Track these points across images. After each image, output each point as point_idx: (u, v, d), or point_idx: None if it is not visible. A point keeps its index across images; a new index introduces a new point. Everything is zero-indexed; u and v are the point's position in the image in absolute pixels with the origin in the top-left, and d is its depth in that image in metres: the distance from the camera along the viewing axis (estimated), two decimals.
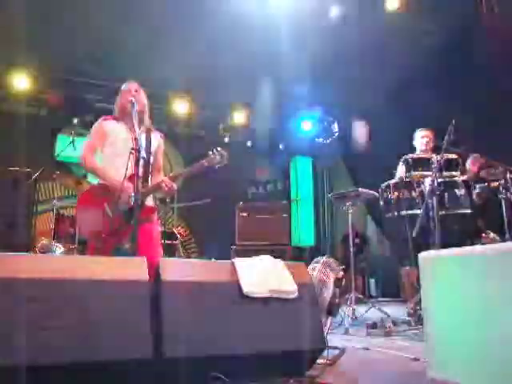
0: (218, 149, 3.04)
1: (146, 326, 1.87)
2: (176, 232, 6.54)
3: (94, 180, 3.37)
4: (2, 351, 1.62)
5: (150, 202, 3.14)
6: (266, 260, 2.43)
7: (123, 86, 3.25)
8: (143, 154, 2.70)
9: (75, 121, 7.87)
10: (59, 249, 5.95)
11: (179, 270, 2.12)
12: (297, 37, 5.86)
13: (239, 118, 8.65)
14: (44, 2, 5.55)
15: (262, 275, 2.27)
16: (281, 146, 9.56)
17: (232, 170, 4.28)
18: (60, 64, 6.94)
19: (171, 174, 3.12)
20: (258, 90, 7.23)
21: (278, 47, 5.97)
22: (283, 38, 5.86)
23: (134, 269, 1.98)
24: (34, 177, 5.82)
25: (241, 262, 2.30)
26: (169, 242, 6.28)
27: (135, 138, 2.75)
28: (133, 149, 2.67)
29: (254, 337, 2.09)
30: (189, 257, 7.85)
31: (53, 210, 6.13)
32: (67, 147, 6.04)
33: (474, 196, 4.03)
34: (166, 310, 1.95)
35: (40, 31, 5.84)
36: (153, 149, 3.20)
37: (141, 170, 2.72)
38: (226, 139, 8.72)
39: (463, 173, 4.03)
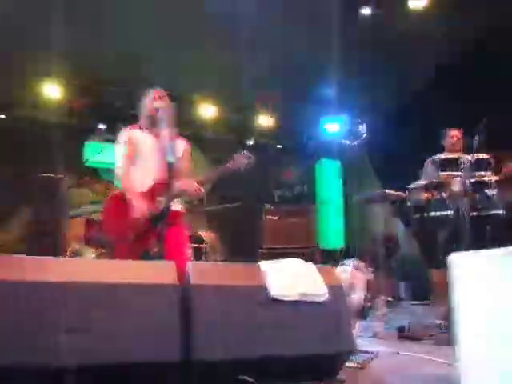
0: (244, 152, 3.05)
1: (175, 329, 1.89)
2: (203, 236, 6.57)
3: (121, 186, 3.42)
4: (34, 353, 1.65)
5: (177, 206, 3.17)
6: (294, 263, 2.42)
7: (148, 93, 3.28)
8: (169, 159, 2.73)
9: (102, 127, 8.01)
10: (90, 253, 6.07)
11: (207, 273, 2.12)
12: (321, 37, 5.84)
13: (266, 120, 8.64)
14: (73, 11, 5.67)
15: (291, 278, 2.25)
16: (307, 148, 9.51)
17: (258, 172, 4.28)
18: (86, 72, 7.07)
19: (198, 179, 3.14)
20: (284, 92, 7.21)
21: (302, 48, 5.97)
22: (308, 38, 5.86)
23: (163, 272, 1.99)
24: (64, 183, 5.95)
25: (269, 265, 2.29)
26: (196, 245, 6.31)
27: (161, 145, 2.79)
28: (161, 156, 2.71)
29: (283, 340, 2.08)
30: (216, 260, 7.87)
31: (83, 215, 6.24)
32: (95, 153, 6.14)
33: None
34: (195, 314, 1.96)
35: (68, 40, 5.97)
36: (178, 154, 3.22)
37: (167, 175, 2.76)
38: (252, 142, 8.73)
39: (496, 173, 3.92)
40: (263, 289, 2.16)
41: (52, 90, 7.47)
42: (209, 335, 1.93)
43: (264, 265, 2.30)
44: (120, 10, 5.78)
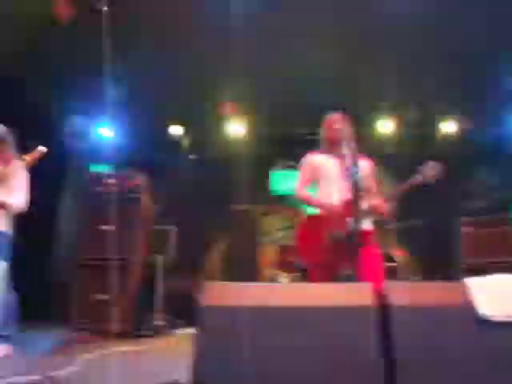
0: (431, 162, 2.91)
1: (376, 353, 1.83)
2: (394, 254, 6.35)
3: (309, 209, 3.53)
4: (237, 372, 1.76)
5: (367, 225, 3.14)
6: (503, 279, 2.17)
7: (327, 117, 3.36)
8: (355, 179, 2.73)
9: (286, 155, 8.41)
10: (284, 278, 6.33)
11: (406, 293, 2.03)
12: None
13: (448, 128, 8.11)
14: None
15: (503, 296, 2.02)
16: (502, 155, 8.58)
17: (447, 183, 4.02)
18: (266, 102, 7.51)
19: (384, 196, 3.08)
20: (468, 98, 6.70)
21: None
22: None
23: (359, 294, 1.97)
24: (256, 211, 6.36)
25: (475, 282, 2.10)
26: (388, 264, 6.13)
27: (344, 167, 2.83)
28: (347, 177, 2.75)
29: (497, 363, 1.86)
30: (409, 279, 7.53)
31: (275, 242, 6.56)
32: (282, 181, 6.44)
33: None
34: (397, 337, 1.88)
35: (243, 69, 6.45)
36: (363, 173, 3.21)
37: (354, 196, 2.76)
38: (436, 152, 8.23)
39: None
40: (470, 308, 1.97)
41: (236, 127, 8.17)
42: (413, 360, 1.83)
43: (469, 281, 2.10)
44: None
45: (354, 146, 3.25)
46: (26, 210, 3.71)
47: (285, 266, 6.36)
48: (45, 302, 7.44)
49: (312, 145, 3.55)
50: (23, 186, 3.71)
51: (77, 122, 7.87)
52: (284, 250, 6.50)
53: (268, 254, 7.52)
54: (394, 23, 5.30)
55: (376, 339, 1.86)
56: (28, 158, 3.64)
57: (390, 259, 6.27)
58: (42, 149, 3.75)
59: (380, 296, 2.01)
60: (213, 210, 7.55)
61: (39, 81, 6.75)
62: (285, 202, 7.80)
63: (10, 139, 3.78)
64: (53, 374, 2.54)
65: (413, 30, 5.36)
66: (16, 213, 3.69)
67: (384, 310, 1.96)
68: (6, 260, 3.53)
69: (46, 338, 4.43)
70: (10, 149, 3.77)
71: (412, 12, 5.05)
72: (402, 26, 5.28)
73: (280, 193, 7.20)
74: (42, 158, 3.76)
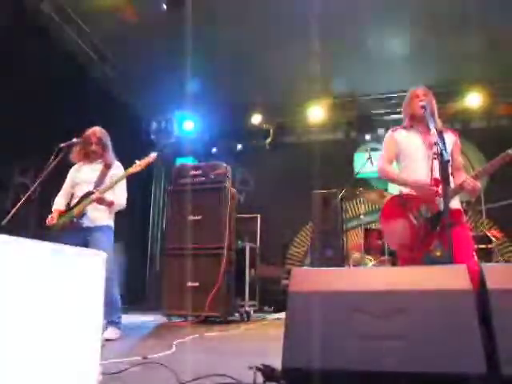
0: None
1: (476, 339, 1.74)
2: (490, 235, 5.99)
3: (394, 190, 3.42)
4: (332, 357, 1.75)
5: (456, 204, 2.99)
6: None
7: (411, 92, 3.22)
8: (443, 156, 2.60)
9: (367, 137, 8.23)
10: (370, 261, 6.21)
11: (505, 276, 1.91)
12: None
13: None
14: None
15: None
16: None
17: None
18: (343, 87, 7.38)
19: (473, 173, 2.91)
20: None
21: None
22: None
23: (455, 277, 1.87)
24: (339, 196, 6.28)
25: None
26: (482, 246, 5.81)
27: (432, 143, 2.69)
28: (434, 153, 2.62)
29: None
30: (507, 261, 7.08)
31: (361, 225, 6.46)
32: (365, 164, 6.30)
33: None
34: (497, 322, 1.77)
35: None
36: (449, 149, 3.05)
37: (442, 173, 2.63)
38: None
39: None
40: None
41: (317, 113, 8.09)
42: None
43: None
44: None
45: (437, 120, 3.10)
46: (125, 207, 3.98)
47: (371, 249, 6.23)
48: (140, 290, 7.92)
49: (395, 123, 3.43)
50: (124, 186, 3.96)
51: (162, 118, 8.20)
52: (370, 233, 6.37)
53: (354, 238, 7.42)
54: None
55: (474, 324, 1.77)
56: (140, 163, 3.80)
57: (485, 240, 5.92)
58: (153, 155, 3.88)
59: (477, 279, 1.91)
60: (297, 196, 7.56)
61: (125, 81, 7.11)
62: (369, 184, 7.64)
63: (109, 141, 4.03)
64: (150, 356, 2.68)
65: None
66: (118, 210, 3.95)
67: (481, 293, 1.86)
68: (110, 251, 3.79)
69: (143, 324, 4.68)
70: (110, 151, 4.03)
71: None
72: None
73: (363, 176, 7.05)
74: (152, 164, 3.93)
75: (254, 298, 6.02)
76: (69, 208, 3.88)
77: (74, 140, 3.79)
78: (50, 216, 3.87)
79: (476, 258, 2.96)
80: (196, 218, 5.43)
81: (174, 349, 3.00)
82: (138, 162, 3.80)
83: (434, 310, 1.79)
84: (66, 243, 3.57)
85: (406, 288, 1.85)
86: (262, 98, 7.81)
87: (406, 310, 1.80)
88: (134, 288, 7.19)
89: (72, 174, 4.04)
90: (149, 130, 8.51)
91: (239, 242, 5.89)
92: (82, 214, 3.75)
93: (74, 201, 3.89)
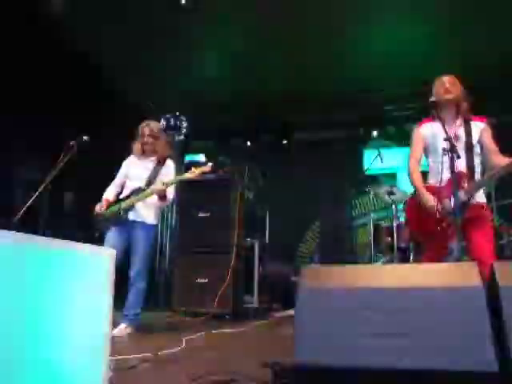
0: None
1: (487, 337, 1.72)
2: (502, 231, 5.93)
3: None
4: (343, 354, 1.74)
5: (480, 198, 2.96)
6: None
7: (437, 80, 3.11)
8: (460, 150, 2.57)
9: (374, 134, 8.17)
10: (380, 258, 6.18)
11: None
12: None
13: None
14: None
15: None
16: None
17: None
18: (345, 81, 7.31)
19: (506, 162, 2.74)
20: None
21: None
22: None
23: (465, 274, 1.86)
24: (349, 193, 6.25)
25: None
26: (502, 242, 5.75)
27: (457, 135, 2.80)
28: (443, 150, 2.61)
29: None
30: None
31: (371, 222, 6.42)
32: (374, 160, 6.26)
33: None
34: (508, 319, 1.75)
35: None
36: (475, 138, 2.99)
37: (463, 166, 2.63)
38: None
39: None
40: None
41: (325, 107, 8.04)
42: None
43: None
44: None
45: (464, 107, 3.03)
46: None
47: (381, 246, 6.20)
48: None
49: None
50: (173, 185, 4.04)
51: (171, 115, 8.21)
52: (380, 230, 6.33)
53: (363, 235, 7.38)
54: None
55: (485, 322, 1.75)
56: (195, 170, 3.87)
57: (498, 236, 5.86)
58: (210, 165, 3.97)
59: (488, 275, 1.89)
60: (306, 192, 7.55)
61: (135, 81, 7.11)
62: (379, 181, 7.59)
63: (165, 137, 4.13)
64: (160, 352, 2.69)
65: None
66: (167, 205, 4.13)
67: (492, 290, 1.84)
68: (147, 249, 3.91)
69: (154, 320, 4.71)
70: (165, 147, 4.15)
71: None
72: None
73: (374, 172, 7.01)
74: (207, 173, 4.02)
75: (263, 295, 6.02)
76: (118, 200, 3.99)
77: (85, 137, 3.82)
78: (99, 204, 3.99)
79: (493, 252, 2.88)
80: (205, 215, 5.45)
81: (183, 345, 3.01)
82: (193, 168, 3.89)
83: (446, 307, 1.78)
84: (111, 235, 3.70)
85: (416, 285, 1.84)
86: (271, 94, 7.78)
87: (416, 307, 1.79)
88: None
89: (125, 167, 4.16)
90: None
91: (248, 239, 5.89)
92: (129, 208, 3.86)
93: (125, 193, 4.01)
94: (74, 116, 5.30)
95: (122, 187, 4.11)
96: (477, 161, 2.96)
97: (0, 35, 4.57)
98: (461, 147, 2.85)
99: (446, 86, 2.99)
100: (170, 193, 3.98)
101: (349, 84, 7.28)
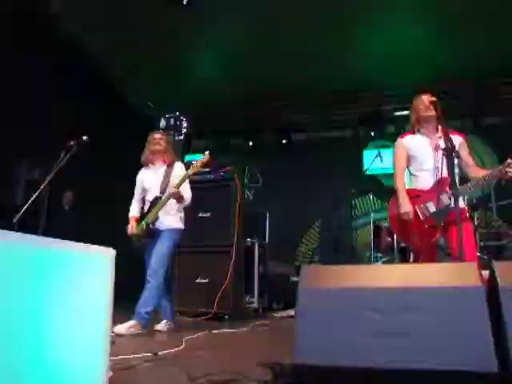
0: None
1: (487, 337, 1.72)
2: (502, 232, 5.95)
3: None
4: (343, 354, 1.74)
5: (460, 203, 3.05)
6: None
7: (416, 98, 3.34)
8: (450, 159, 2.70)
9: (377, 134, 8.17)
10: (380, 258, 6.18)
11: None
12: None
13: None
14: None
15: None
16: None
17: None
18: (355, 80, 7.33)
19: (482, 175, 3.03)
20: None
21: None
22: None
23: (465, 274, 1.86)
24: (349, 193, 6.25)
25: None
26: (493, 243, 5.78)
27: (438, 144, 3.01)
28: (443, 152, 2.71)
29: None
30: None
31: (371, 223, 6.42)
32: (374, 161, 6.27)
33: None
34: (508, 319, 1.75)
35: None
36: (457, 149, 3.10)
37: (449, 171, 2.83)
38: None
39: None
40: None
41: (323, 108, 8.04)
42: None
43: None
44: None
45: (446, 124, 3.15)
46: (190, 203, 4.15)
47: (382, 246, 6.20)
48: None
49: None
50: (187, 185, 4.12)
51: (171, 115, 8.22)
52: (381, 230, 6.33)
53: (363, 235, 7.38)
54: None
55: (485, 322, 1.75)
56: (196, 163, 3.94)
57: (497, 237, 5.88)
58: (207, 154, 4.03)
59: (488, 276, 1.89)
60: (306, 192, 7.54)
61: (134, 81, 7.12)
62: (379, 181, 7.60)
63: (171, 144, 4.28)
64: (160, 352, 2.69)
65: None
66: (185, 206, 4.14)
67: (492, 290, 1.84)
68: (166, 250, 3.96)
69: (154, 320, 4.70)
70: (170, 150, 4.23)
71: None
72: None
73: (373, 172, 7.02)
74: (207, 163, 4.07)
75: (263, 295, 6.02)
76: (142, 214, 4.07)
77: (84, 138, 3.81)
78: (128, 226, 4.08)
79: (475, 253, 3.14)
80: (205, 215, 5.44)
81: (183, 345, 3.01)
82: (194, 162, 3.96)
83: (446, 307, 1.78)
84: (150, 247, 3.77)
85: (417, 285, 1.84)
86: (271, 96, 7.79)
87: (417, 307, 1.79)
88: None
89: (139, 182, 4.24)
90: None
91: (248, 239, 5.89)
92: (156, 219, 3.94)
93: (146, 206, 4.09)
94: (74, 116, 5.30)
95: (144, 201, 4.19)
96: (456, 169, 3.09)
97: (3, 33, 4.59)
98: (441, 156, 3.04)
99: (427, 104, 3.16)
100: (185, 192, 4.04)
101: (349, 84, 7.30)
